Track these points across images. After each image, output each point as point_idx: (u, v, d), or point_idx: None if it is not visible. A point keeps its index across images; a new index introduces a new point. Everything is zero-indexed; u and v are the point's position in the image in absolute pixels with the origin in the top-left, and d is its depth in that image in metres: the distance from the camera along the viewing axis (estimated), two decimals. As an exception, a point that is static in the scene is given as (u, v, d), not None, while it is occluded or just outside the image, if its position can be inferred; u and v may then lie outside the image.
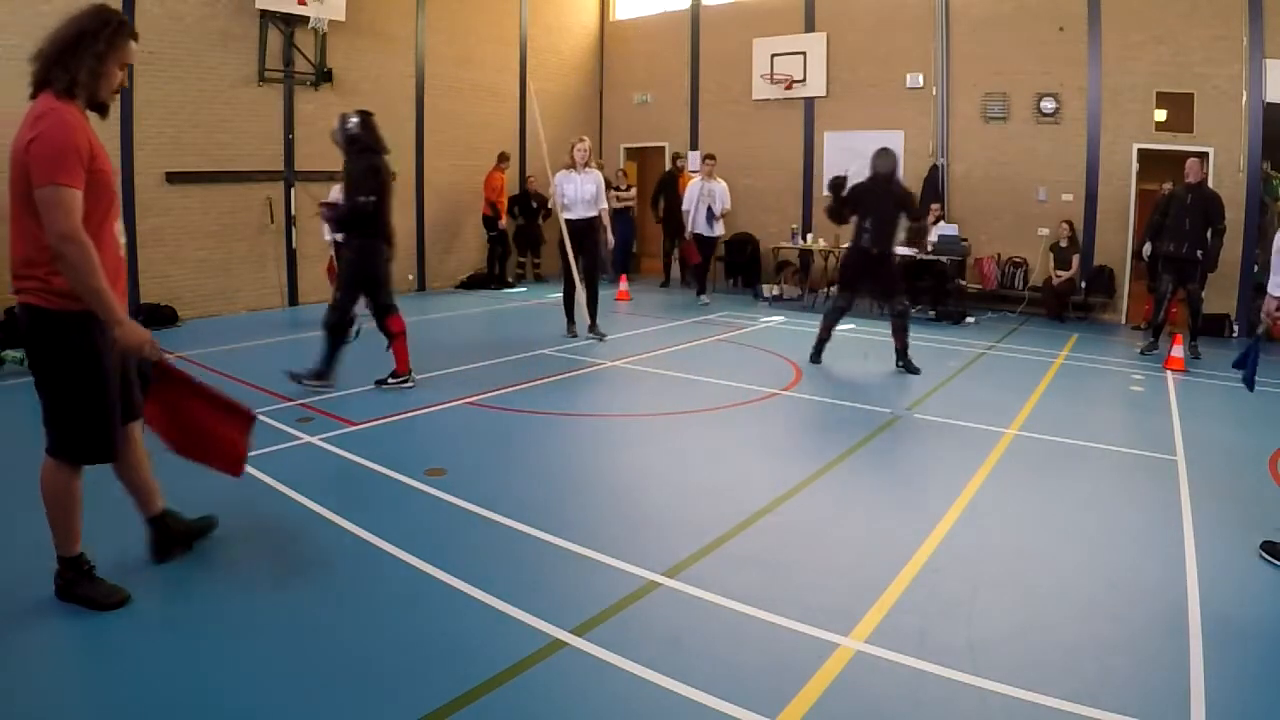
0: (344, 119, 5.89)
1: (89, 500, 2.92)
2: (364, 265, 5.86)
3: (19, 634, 2.71)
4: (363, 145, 5.79)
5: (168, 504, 3.26)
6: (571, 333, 8.20)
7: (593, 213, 7.99)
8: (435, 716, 2.33)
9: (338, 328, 5.86)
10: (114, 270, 2.75)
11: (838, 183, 7.07)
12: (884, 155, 7.05)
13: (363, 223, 5.74)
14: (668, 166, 12.98)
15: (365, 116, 5.87)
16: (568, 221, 7.95)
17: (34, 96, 2.64)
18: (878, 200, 6.91)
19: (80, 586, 2.86)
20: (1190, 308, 8.05)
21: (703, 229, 10.82)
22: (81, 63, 2.63)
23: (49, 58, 2.64)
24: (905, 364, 6.98)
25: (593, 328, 8.04)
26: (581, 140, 8.04)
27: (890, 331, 7.12)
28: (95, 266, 2.57)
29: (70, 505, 2.83)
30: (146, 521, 3.21)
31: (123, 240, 2.92)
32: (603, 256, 8.37)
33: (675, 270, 12.91)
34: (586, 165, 7.97)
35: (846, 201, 7.04)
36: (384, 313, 5.94)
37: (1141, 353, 8.07)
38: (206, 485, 3.67)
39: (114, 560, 3.05)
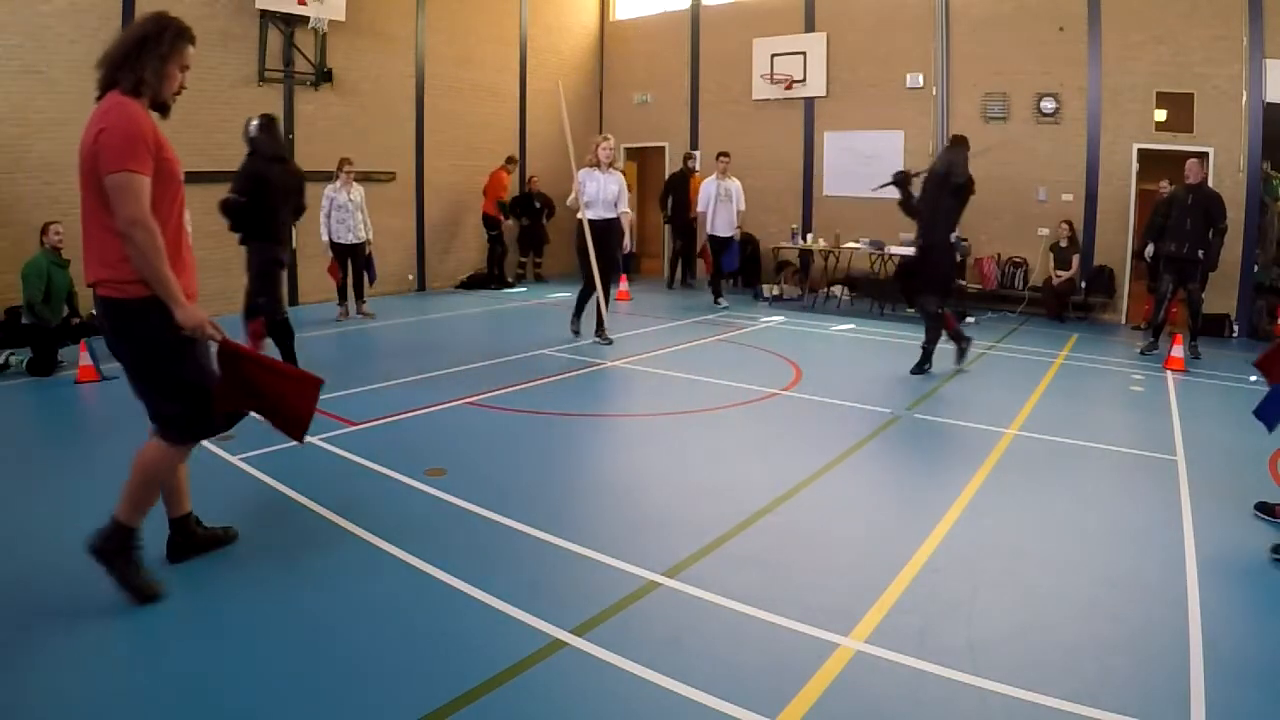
0: (248, 122, 6.01)
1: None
2: (262, 264, 5.96)
3: (20, 634, 2.71)
4: (255, 149, 5.89)
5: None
6: (574, 330, 8.17)
7: (612, 214, 7.81)
8: (435, 716, 2.33)
9: (278, 328, 5.99)
10: (184, 257, 2.87)
11: (901, 177, 7.05)
12: (948, 149, 6.96)
13: (259, 226, 5.88)
14: (678, 166, 12.53)
15: (266, 122, 6.00)
16: (589, 221, 7.77)
17: (100, 98, 2.76)
18: (928, 195, 6.91)
19: (126, 568, 2.86)
20: (1190, 308, 8.04)
21: (720, 230, 10.65)
22: (146, 64, 2.77)
23: (115, 61, 2.77)
24: (917, 364, 6.95)
25: (599, 332, 7.92)
26: (606, 139, 7.90)
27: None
28: (160, 251, 2.69)
29: (160, 483, 2.94)
30: (170, 521, 3.23)
31: (189, 229, 3.01)
32: (618, 259, 8.21)
33: (678, 270, 12.84)
34: (611, 165, 7.83)
35: (914, 195, 7.03)
36: (254, 312, 6.02)
37: (1141, 353, 8.07)
38: (207, 485, 3.68)
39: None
